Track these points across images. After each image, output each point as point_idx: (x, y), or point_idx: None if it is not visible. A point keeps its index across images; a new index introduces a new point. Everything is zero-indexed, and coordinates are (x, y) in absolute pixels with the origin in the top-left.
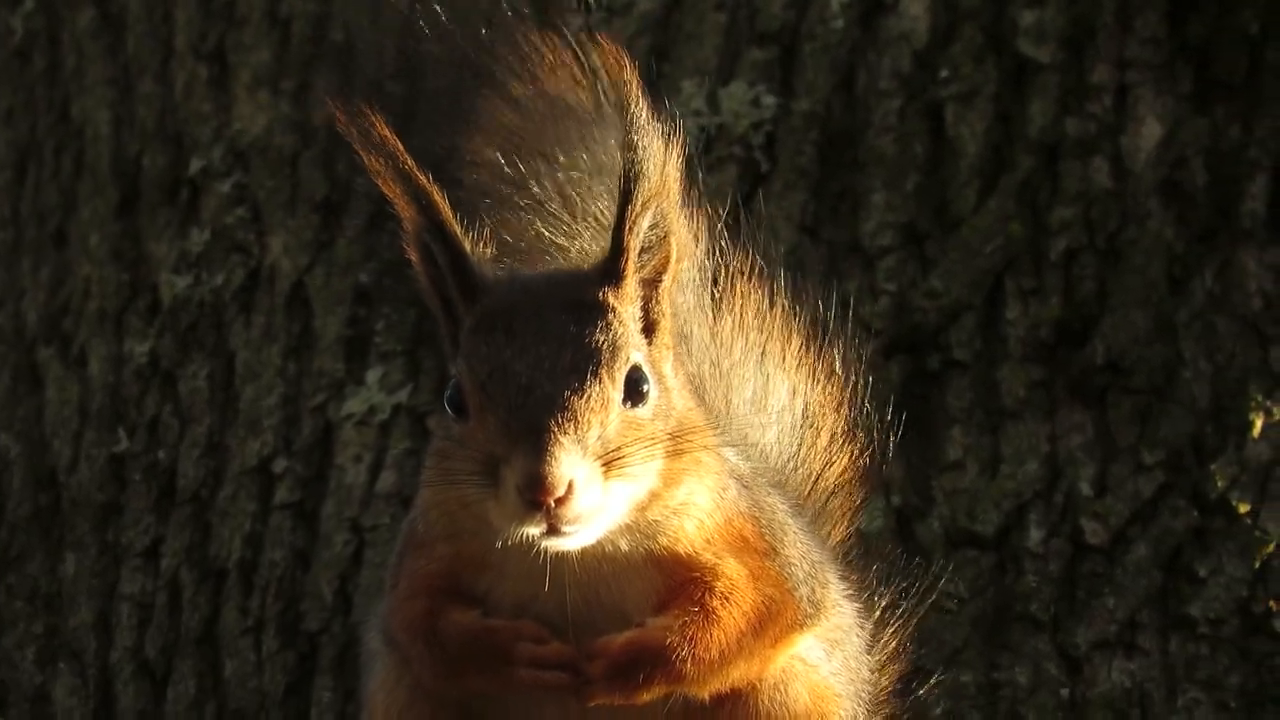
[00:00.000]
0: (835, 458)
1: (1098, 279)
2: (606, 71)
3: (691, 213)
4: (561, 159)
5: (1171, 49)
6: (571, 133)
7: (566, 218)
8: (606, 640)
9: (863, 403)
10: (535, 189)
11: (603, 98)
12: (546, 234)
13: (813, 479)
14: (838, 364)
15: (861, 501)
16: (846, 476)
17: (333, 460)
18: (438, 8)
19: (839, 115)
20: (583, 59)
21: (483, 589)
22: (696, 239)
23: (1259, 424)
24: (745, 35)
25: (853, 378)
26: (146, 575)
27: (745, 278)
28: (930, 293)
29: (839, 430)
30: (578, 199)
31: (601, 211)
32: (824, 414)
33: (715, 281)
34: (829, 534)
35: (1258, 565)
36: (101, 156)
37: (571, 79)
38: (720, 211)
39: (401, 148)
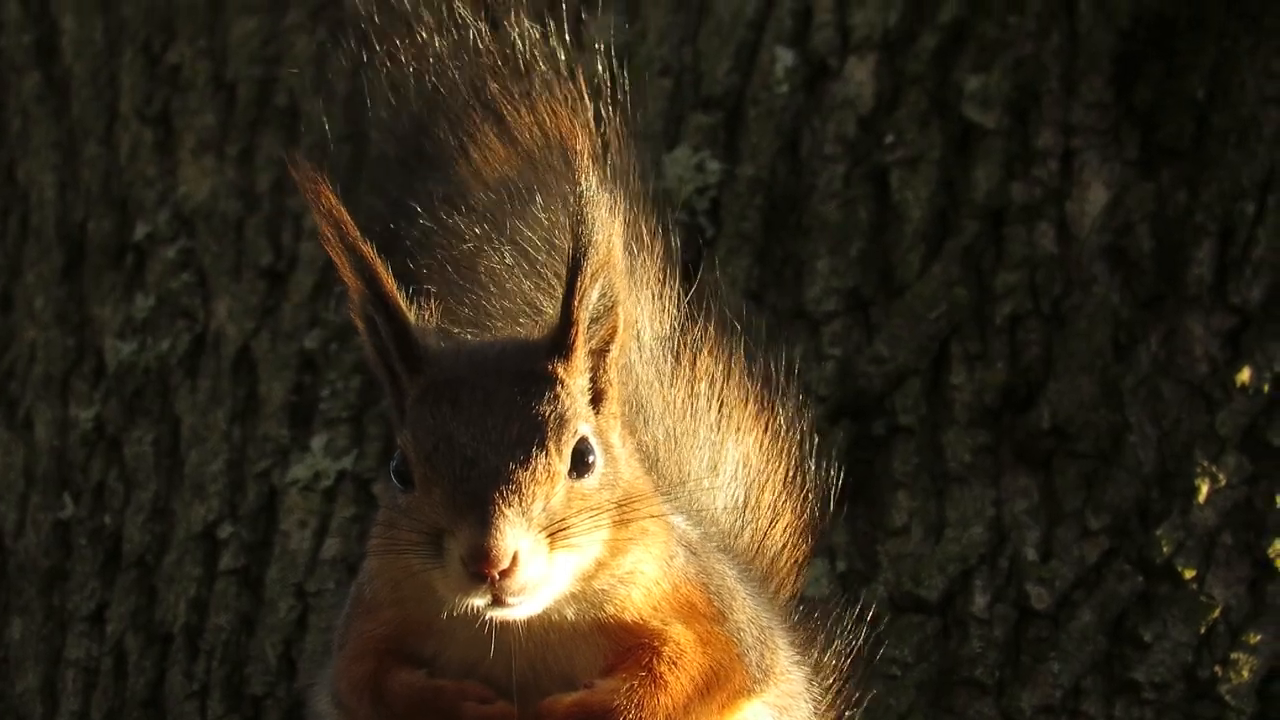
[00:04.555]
0: (780, 514)
1: (1043, 344)
2: (561, 142)
3: (647, 281)
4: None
5: (1117, 114)
6: (517, 201)
7: (518, 282)
8: (553, 700)
9: (806, 460)
10: (486, 251)
11: (549, 167)
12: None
13: (760, 536)
14: (781, 424)
15: (807, 557)
16: (792, 532)
17: (278, 526)
18: (385, 81)
19: (783, 180)
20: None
21: (429, 653)
22: (663, 307)
23: (1205, 489)
24: (690, 100)
25: (796, 436)
26: (92, 640)
27: (700, 346)
28: (875, 358)
29: (783, 487)
30: (535, 260)
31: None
32: (769, 472)
33: (671, 350)
34: (777, 591)
35: (1203, 630)
36: (47, 220)
37: (512, 149)
38: (670, 278)
39: (348, 217)
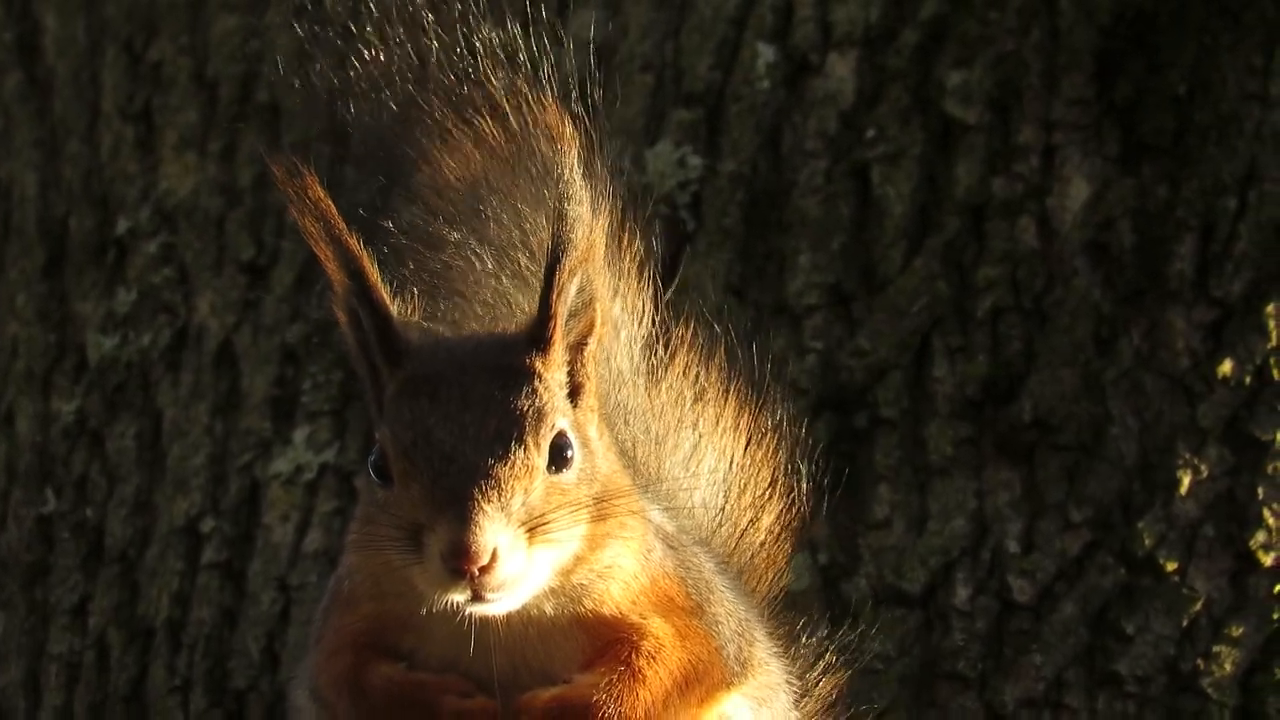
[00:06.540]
0: (761, 513)
1: (1024, 338)
2: (548, 136)
3: (626, 278)
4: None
5: (1099, 110)
6: (495, 198)
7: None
8: (532, 696)
9: (790, 458)
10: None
11: (529, 161)
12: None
13: (738, 534)
14: (766, 421)
15: (789, 555)
16: (773, 530)
17: (260, 519)
18: (363, 81)
19: (765, 176)
20: (511, 119)
21: (408, 648)
22: (642, 307)
23: (1186, 482)
24: (671, 96)
25: (778, 433)
26: (74, 634)
27: (680, 343)
28: (857, 351)
29: (764, 485)
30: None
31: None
32: (749, 469)
33: (650, 347)
34: (756, 587)
35: (1185, 623)
36: (28, 217)
37: (494, 144)
38: (651, 274)
39: (334, 210)
